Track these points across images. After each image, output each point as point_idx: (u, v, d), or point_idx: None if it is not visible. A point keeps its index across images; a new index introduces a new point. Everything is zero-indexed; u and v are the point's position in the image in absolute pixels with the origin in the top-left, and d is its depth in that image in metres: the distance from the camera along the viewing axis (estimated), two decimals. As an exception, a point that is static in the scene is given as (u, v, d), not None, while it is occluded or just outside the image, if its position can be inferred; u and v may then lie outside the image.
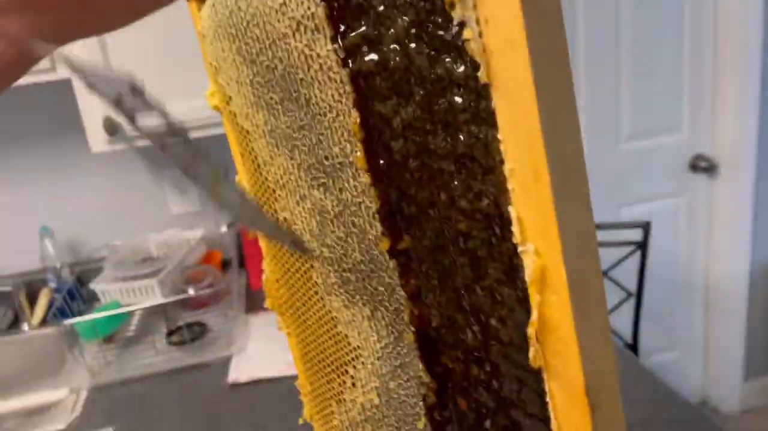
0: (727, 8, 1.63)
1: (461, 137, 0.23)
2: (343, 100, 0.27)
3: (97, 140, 1.37)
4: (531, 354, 0.24)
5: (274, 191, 0.34)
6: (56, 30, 0.35)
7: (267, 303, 0.39)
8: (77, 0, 0.33)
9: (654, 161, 1.72)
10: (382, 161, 0.27)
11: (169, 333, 1.36)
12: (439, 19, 0.22)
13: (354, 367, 0.34)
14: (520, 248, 0.23)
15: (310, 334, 0.37)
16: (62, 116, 1.61)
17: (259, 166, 0.34)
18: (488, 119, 0.22)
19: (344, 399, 0.36)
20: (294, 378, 0.40)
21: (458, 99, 0.23)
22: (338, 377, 0.36)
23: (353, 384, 0.35)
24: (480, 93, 0.22)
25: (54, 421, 1.04)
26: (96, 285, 1.47)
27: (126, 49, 1.31)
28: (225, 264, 1.69)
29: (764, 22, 1.64)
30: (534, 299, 0.23)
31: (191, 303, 1.43)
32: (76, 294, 1.53)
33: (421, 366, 0.30)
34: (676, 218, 1.84)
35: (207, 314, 1.42)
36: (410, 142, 0.26)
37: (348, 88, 0.27)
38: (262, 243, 0.37)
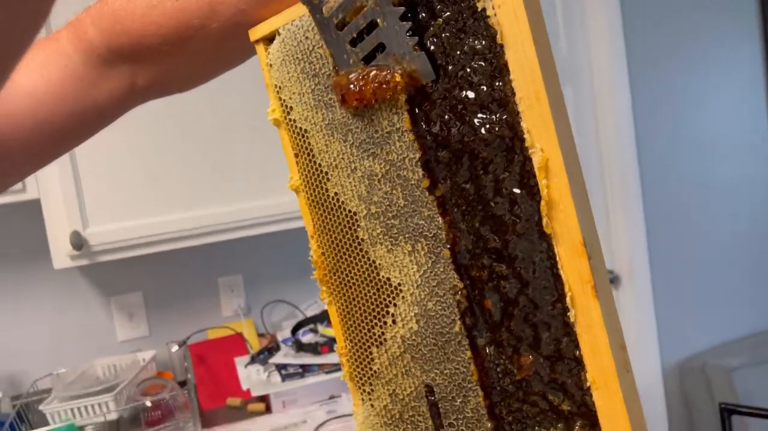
0: (608, 152, 1.95)
1: (484, 89, 0.36)
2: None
3: (60, 256, 1.41)
4: (544, 223, 0.35)
5: (326, 173, 0.45)
6: (149, 81, 0.47)
7: (315, 275, 0.48)
8: (170, 55, 0.45)
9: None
10: (422, 124, 0.39)
11: (126, 449, 1.33)
12: (465, 13, 0.36)
13: (395, 305, 0.43)
14: (530, 150, 0.35)
15: (354, 291, 0.46)
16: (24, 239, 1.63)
17: (313, 157, 0.45)
18: (503, 70, 0.35)
19: (385, 340, 0.45)
20: None
21: (481, 63, 0.36)
22: (379, 321, 0.45)
23: (394, 321, 0.44)
24: (496, 54, 0.35)
25: None
26: (45, 407, 1.43)
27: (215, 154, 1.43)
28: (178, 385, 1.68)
29: (639, 159, 1.97)
30: (542, 183, 0.35)
31: (148, 420, 1.41)
32: (17, 427, 1.47)
33: (455, 275, 0.40)
34: (591, 329, 2.02)
35: (165, 428, 1.40)
36: (445, 104, 0.38)
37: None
38: (311, 223, 0.47)
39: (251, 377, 1.48)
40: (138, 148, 1.40)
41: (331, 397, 1.37)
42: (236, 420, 1.42)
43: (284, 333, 1.63)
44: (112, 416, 1.38)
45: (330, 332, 1.53)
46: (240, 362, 1.57)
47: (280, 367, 1.46)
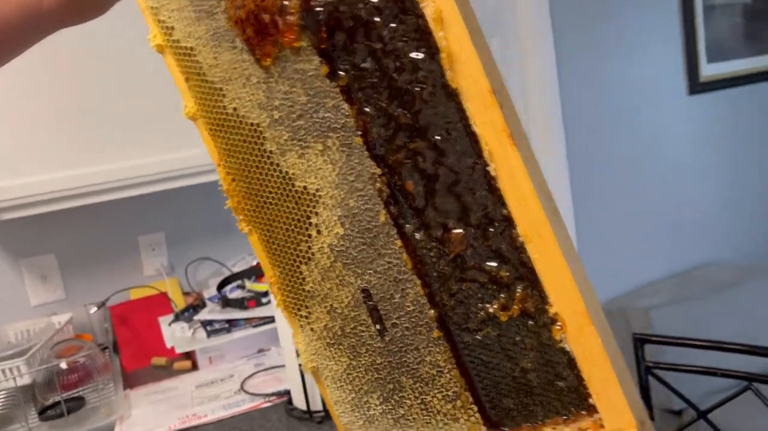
0: (533, 102, 1.99)
1: (364, -47, 0.34)
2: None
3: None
4: (447, 77, 0.33)
5: (221, 89, 0.42)
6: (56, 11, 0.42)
7: (228, 204, 0.45)
8: None
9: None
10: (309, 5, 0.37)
11: (42, 411, 1.24)
12: None
13: (316, 214, 0.41)
14: (421, 5, 0.33)
15: (272, 211, 0.43)
16: None
17: (204, 75, 0.42)
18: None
19: (313, 254, 0.42)
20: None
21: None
22: (304, 235, 0.42)
23: (318, 232, 0.41)
24: None
25: None
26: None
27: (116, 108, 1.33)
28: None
29: (563, 109, 2.01)
30: (439, 36, 0.33)
31: (65, 383, 1.32)
32: None
33: (372, 162, 0.38)
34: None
35: (83, 391, 1.32)
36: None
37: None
38: (215, 149, 0.44)
39: (175, 335, 1.42)
40: (44, 95, 1.28)
41: (260, 351, 1.34)
42: (161, 378, 1.36)
43: (211, 291, 1.57)
44: (25, 380, 1.28)
45: (258, 287, 1.48)
46: (164, 321, 1.50)
47: (206, 323, 1.41)
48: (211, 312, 1.41)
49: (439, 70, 0.34)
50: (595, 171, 2.16)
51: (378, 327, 0.41)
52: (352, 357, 0.43)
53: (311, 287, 0.43)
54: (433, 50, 0.34)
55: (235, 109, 0.42)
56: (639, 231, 2.25)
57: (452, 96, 0.34)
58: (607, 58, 2.15)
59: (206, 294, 1.58)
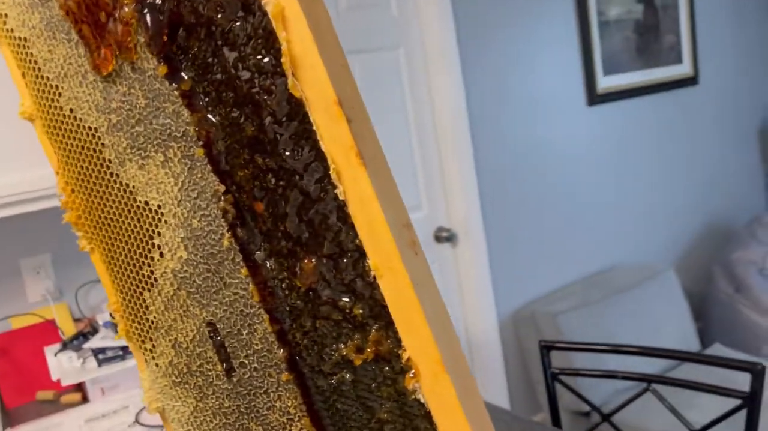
0: (441, 114, 1.98)
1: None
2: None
3: None
4: (289, 84, 0.29)
5: (56, 86, 0.37)
6: None
7: (66, 218, 0.39)
8: None
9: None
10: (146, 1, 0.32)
11: None
12: None
13: (159, 234, 0.36)
14: (263, 1, 0.29)
15: (113, 228, 0.38)
16: None
17: (40, 70, 0.37)
18: None
19: (156, 280, 0.37)
20: None
21: None
22: (146, 258, 0.37)
23: (161, 254, 0.36)
24: None
25: None
26: None
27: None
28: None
29: (470, 121, 2.02)
30: (281, 36, 0.29)
31: None
32: None
33: (215, 178, 0.33)
34: (432, 284, 2.05)
35: None
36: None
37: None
38: (54, 155, 0.39)
39: (62, 365, 1.32)
40: None
41: (158, 377, 1.26)
42: (47, 414, 1.25)
43: (105, 316, 1.47)
44: None
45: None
46: (50, 351, 1.39)
47: (97, 352, 1.31)
48: (103, 339, 1.31)
49: (285, 78, 0.30)
50: (503, 181, 2.19)
51: (225, 366, 0.36)
52: (198, 398, 0.38)
53: (155, 317, 0.38)
54: (278, 54, 0.30)
55: (71, 110, 0.37)
56: (547, 238, 2.29)
57: (298, 107, 0.30)
58: (512, 71, 2.19)
59: (99, 319, 1.48)
